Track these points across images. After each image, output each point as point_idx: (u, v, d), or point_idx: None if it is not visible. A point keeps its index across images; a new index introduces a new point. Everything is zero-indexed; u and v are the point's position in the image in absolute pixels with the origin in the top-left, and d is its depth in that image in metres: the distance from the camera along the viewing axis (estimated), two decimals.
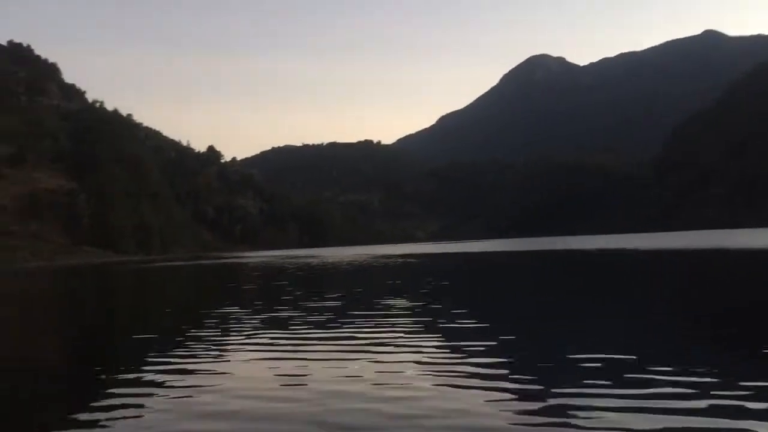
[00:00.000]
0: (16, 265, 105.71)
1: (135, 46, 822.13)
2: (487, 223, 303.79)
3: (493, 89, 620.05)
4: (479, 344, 8.86)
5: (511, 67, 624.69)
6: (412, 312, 13.38)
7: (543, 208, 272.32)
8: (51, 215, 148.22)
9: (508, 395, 6.07)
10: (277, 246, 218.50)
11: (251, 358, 8.80)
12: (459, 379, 6.81)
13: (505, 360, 7.85)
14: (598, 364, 7.22)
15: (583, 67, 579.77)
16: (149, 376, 7.69)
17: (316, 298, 17.87)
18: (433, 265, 41.55)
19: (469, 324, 11.16)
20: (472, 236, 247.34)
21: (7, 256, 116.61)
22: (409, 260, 49.84)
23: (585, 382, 6.41)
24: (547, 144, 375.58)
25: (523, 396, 6.01)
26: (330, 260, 58.21)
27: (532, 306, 14.91)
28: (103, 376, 8.27)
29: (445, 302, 15.48)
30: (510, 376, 6.95)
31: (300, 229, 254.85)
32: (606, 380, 6.42)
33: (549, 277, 27.78)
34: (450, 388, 6.39)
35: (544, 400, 5.77)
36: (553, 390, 6.10)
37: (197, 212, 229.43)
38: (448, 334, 10.14)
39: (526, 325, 11.32)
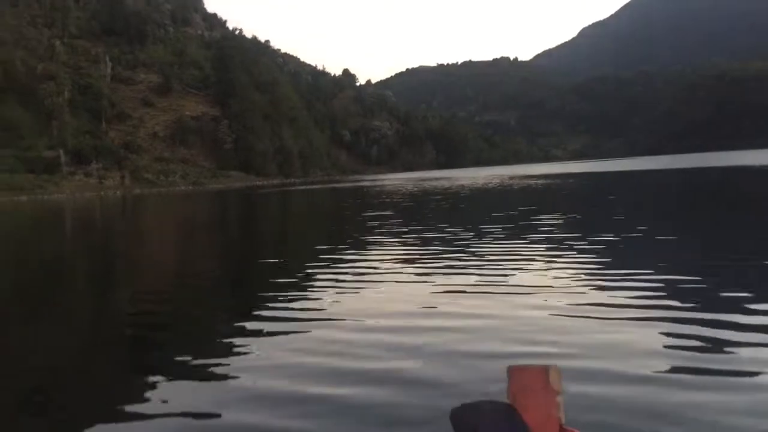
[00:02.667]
0: (173, 188, 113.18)
1: None
2: (633, 141, 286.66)
3: None
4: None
5: None
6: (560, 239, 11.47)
7: (698, 123, 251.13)
8: (197, 141, 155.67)
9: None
10: (413, 167, 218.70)
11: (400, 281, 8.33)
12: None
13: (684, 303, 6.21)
14: None
15: None
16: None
17: (452, 225, 16.16)
18: (578, 187, 38.22)
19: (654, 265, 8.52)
20: (616, 155, 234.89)
21: (161, 181, 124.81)
22: (549, 181, 46.60)
23: None
24: (702, 54, 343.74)
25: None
26: (463, 182, 56.05)
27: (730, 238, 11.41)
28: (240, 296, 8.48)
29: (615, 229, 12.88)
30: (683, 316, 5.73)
31: (436, 149, 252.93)
32: None
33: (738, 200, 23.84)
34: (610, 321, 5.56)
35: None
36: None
37: (334, 135, 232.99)
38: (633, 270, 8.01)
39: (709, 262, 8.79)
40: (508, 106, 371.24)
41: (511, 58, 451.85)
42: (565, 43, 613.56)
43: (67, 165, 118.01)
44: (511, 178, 60.73)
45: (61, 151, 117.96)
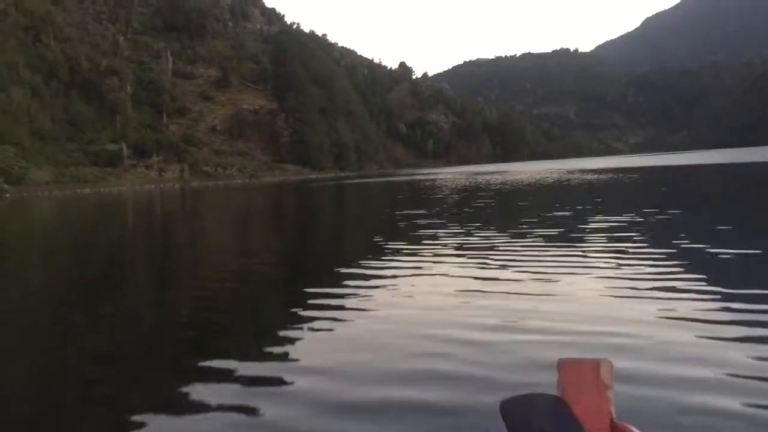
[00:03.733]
0: (229, 181, 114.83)
1: None
2: (697, 134, 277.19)
3: None
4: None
5: None
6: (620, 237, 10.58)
7: (767, 115, 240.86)
8: (255, 134, 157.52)
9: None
10: (469, 161, 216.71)
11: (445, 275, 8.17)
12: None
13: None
14: None
15: None
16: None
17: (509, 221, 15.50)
18: (644, 181, 36.55)
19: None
20: (680, 148, 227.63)
21: (219, 174, 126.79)
22: (610, 175, 44.83)
23: None
24: None
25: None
26: (518, 176, 54.67)
27: None
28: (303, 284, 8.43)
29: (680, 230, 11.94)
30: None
31: (492, 143, 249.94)
32: None
33: None
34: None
35: None
36: None
37: (390, 128, 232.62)
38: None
39: None
40: (567, 99, 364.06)
41: (571, 50, 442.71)
42: (628, 33, 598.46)
43: (129, 158, 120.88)
44: (569, 172, 59.01)
45: (124, 145, 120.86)
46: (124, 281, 10.09)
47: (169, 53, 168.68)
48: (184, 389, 4.38)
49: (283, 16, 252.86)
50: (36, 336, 6.46)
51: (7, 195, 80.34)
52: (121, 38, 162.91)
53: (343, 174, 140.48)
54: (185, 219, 27.41)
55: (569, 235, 11.39)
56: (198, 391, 4.32)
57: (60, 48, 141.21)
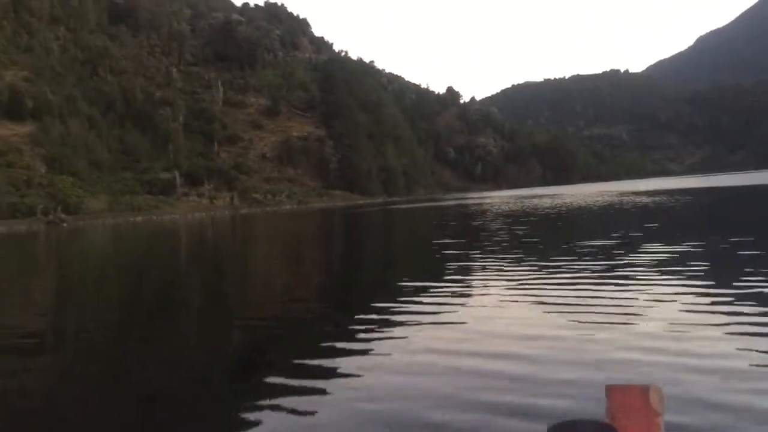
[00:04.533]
0: (279, 207, 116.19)
1: None
2: (757, 153, 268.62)
3: (761, 1, 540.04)
4: None
5: None
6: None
7: None
8: (304, 161, 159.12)
9: None
10: (518, 184, 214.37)
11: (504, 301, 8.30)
12: None
13: None
14: None
15: None
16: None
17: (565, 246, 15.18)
18: (701, 204, 35.10)
19: None
20: (738, 167, 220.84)
21: (268, 200, 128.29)
22: (664, 198, 43.28)
23: None
24: None
25: None
26: (568, 200, 53.47)
27: None
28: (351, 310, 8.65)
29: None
30: None
31: (542, 165, 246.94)
32: None
33: None
34: None
35: None
36: None
37: (438, 153, 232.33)
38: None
39: None
40: (619, 120, 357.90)
41: (622, 70, 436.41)
42: (681, 52, 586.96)
43: (181, 186, 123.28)
44: (622, 194, 57.46)
45: (176, 173, 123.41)
46: (176, 307, 10.38)
47: (220, 83, 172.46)
48: (238, 415, 4.45)
49: (332, 44, 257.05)
50: (90, 361, 6.66)
51: (65, 224, 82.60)
52: (174, 70, 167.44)
53: (390, 199, 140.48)
54: (235, 246, 27.79)
55: (618, 266, 10.59)
56: (248, 419, 4.39)
57: (116, 81, 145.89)
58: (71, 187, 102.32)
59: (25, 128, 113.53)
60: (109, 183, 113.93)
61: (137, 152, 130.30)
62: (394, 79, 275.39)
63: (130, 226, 69.21)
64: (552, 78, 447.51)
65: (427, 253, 16.38)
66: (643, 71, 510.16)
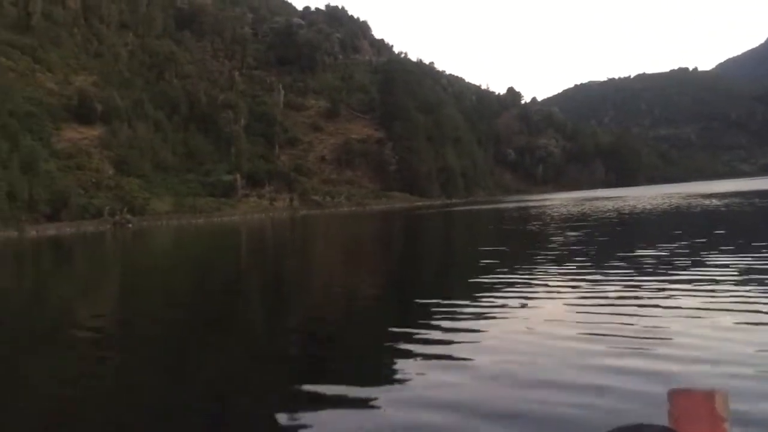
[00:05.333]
0: (337, 209, 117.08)
1: None
2: None
3: None
4: None
5: None
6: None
7: None
8: (363, 163, 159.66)
9: None
10: (581, 186, 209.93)
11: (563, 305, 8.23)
12: None
13: None
14: None
15: None
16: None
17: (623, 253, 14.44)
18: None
19: None
20: None
21: (327, 202, 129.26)
22: (736, 200, 41.29)
23: None
24: None
25: None
26: (631, 202, 51.84)
27: None
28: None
29: None
30: None
31: (606, 167, 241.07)
32: None
33: None
34: None
35: None
36: None
37: (498, 154, 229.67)
38: None
39: None
40: (687, 119, 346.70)
41: (690, 68, 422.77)
42: (752, 49, 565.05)
43: (242, 188, 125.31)
44: (688, 196, 55.37)
45: (238, 175, 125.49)
46: (238, 307, 10.58)
47: (281, 86, 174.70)
48: (302, 415, 4.49)
49: (392, 46, 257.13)
50: (154, 357, 6.91)
51: (130, 225, 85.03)
52: (237, 74, 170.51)
53: (449, 201, 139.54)
54: (294, 247, 28.13)
55: (679, 280, 9.78)
56: (299, 423, 4.42)
57: (181, 85, 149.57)
58: (137, 189, 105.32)
59: (95, 131, 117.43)
60: (174, 185, 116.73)
61: (200, 154, 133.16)
62: (455, 81, 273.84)
63: (192, 228, 70.70)
64: (616, 77, 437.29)
65: (479, 258, 15.93)
66: (712, 69, 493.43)
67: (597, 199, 72.33)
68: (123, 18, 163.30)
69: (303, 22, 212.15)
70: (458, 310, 8.13)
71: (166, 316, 10.17)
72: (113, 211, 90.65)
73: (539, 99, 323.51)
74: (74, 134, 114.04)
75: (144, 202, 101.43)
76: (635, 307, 7.61)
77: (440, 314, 7.90)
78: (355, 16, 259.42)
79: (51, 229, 76.69)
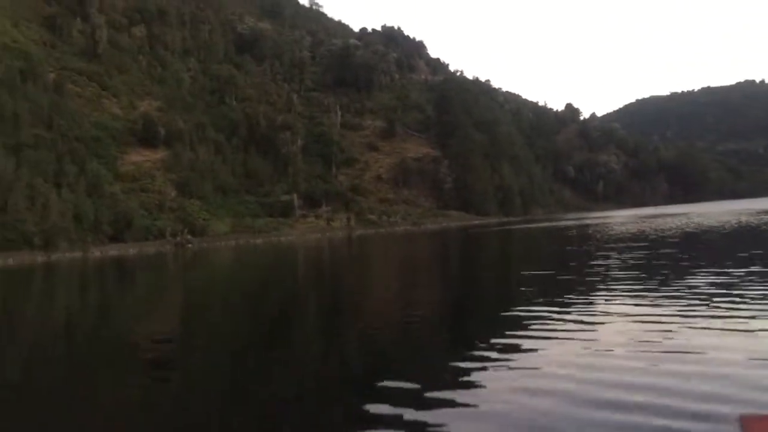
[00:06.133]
0: (393, 228, 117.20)
1: (493, 15, 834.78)
2: None
3: None
4: None
5: None
6: None
7: None
8: (419, 181, 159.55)
9: None
10: (644, 202, 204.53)
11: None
12: None
13: None
14: None
15: None
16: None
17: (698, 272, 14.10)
18: None
19: None
20: None
21: (383, 221, 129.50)
22: None
23: None
24: None
25: None
26: (697, 219, 50.04)
27: None
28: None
29: None
30: None
31: (670, 183, 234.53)
32: None
33: None
34: None
35: None
36: None
37: (557, 171, 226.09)
38: None
39: None
40: (756, 133, 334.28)
41: (758, 80, 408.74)
42: None
43: (299, 208, 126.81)
44: (759, 213, 53.12)
45: (295, 195, 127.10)
46: (295, 327, 10.90)
47: (338, 107, 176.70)
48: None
49: (448, 65, 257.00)
50: (217, 381, 6.99)
51: (190, 245, 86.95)
52: (295, 96, 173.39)
53: (506, 219, 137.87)
54: (351, 268, 28.23)
55: (747, 316, 8.83)
56: None
57: (241, 108, 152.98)
58: (198, 211, 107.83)
59: (158, 155, 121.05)
60: (233, 205, 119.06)
61: (259, 176, 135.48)
62: (512, 98, 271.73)
63: (250, 248, 71.77)
64: (679, 91, 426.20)
65: (532, 279, 15.56)
66: None
67: (660, 216, 70.19)
68: (186, 44, 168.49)
69: (360, 44, 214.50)
70: (513, 332, 8.18)
71: (225, 335, 10.51)
72: (175, 232, 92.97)
73: (599, 114, 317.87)
74: (138, 157, 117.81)
75: (204, 223, 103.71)
76: (694, 333, 7.32)
77: (496, 337, 7.95)
78: (411, 36, 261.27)
79: (114, 250, 79.09)
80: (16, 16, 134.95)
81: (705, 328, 7.56)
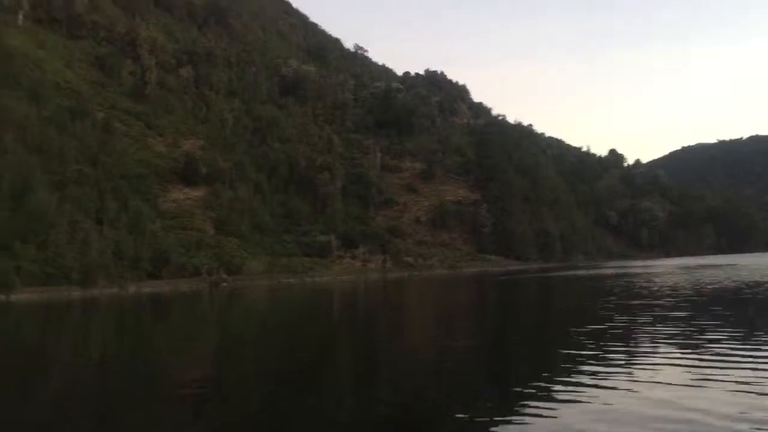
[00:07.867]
0: (429, 271, 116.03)
1: (535, 59, 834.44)
2: None
3: None
4: None
5: None
6: None
7: None
8: (457, 225, 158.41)
9: None
10: (689, 252, 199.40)
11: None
12: None
13: None
14: None
15: None
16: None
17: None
18: None
19: None
20: None
21: (419, 264, 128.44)
22: None
23: None
24: None
25: None
26: (742, 273, 48.03)
27: None
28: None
29: None
30: None
31: (716, 232, 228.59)
32: None
33: None
34: None
35: None
36: None
37: (599, 218, 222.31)
38: None
39: None
40: None
41: None
42: None
43: (337, 249, 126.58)
44: None
45: (332, 236, 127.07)
46: (328, 372, 11.13)
47: (378, 149, 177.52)
48: None
49: (491, 109, 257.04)
50: (249, 422, 7.18)
51: (225, 284, 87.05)
52: (336, 137, 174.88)
53: (546, 265, 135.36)
54: (385, 318, 27.66)
55: None
56: None
57: (282, 148, 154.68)
58: (235, 249, 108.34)
59: (198, 193, 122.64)
60: (270, 244, 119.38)
61: (298, 215, 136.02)
62: (554, 143, 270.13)
63: (284, 287, 71.39)
64: (727, 139, 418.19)
65: (568, 336, 14.75)
66: None
67: (705, 267, 67.81)
68: (231, 85, 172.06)
69: (402, 87, 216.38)
70: (549, 386, 8.20)
71: (258, 377, 10.90)
72: (210, 270, 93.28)
73: (644, 161, 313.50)
74: (179, 195, 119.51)
75: (241, 261, 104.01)
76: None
77: (532, 389, 8.04)
78: (454, 80, 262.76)
79: (149, 287, 79.55)
80: (70, 57, 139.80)
81: None
